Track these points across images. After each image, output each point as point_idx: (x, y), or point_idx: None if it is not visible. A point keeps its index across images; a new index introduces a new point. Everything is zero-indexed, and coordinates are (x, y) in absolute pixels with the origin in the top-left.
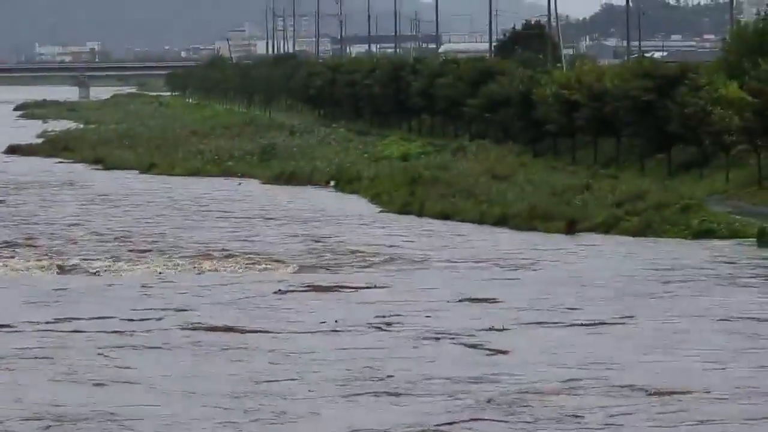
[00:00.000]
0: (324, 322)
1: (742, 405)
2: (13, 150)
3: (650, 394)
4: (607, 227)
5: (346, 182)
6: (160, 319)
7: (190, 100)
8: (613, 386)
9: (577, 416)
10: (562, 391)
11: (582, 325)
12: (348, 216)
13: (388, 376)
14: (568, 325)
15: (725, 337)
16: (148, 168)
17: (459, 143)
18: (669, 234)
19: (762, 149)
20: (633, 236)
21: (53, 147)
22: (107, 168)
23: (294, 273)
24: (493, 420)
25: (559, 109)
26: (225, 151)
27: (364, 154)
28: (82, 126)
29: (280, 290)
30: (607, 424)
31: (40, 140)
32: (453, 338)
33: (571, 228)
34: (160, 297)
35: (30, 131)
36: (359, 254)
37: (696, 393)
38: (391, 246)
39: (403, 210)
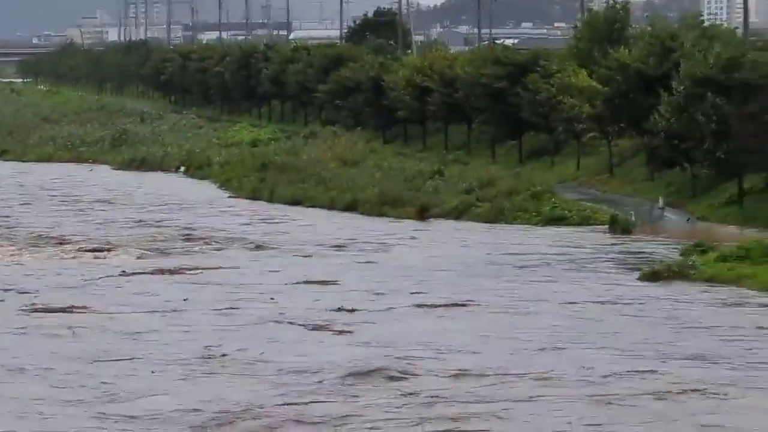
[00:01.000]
0: (169, 302)
1: (579, 386)
2: None
3: (487, 376)
4: (458, 213)
5: (196, 168)
6: (2, 300)
7: (42, 87)
8: (451, 368)
9: (411, 395)
10: (401, 371)
11: (427, 307)
12: (197, 201)
13: (225, 356)
14: (413, 308)
15: (569, 321)
16: None
17: (309, 129)
18: (520, 220)
19: (612, 137)
20: (484, 222)
21: None
22: None
23: (141, 256)
24: (328, 402)
25: (411, 95)
26: (77, 137)
27: (214, 140)
28: None
29: (124, 272)
30: (437, 401)
31: None
32: (296, 319)
33: (422, 214)
34: (2, 280)
35: None
36: (207, 238)
37: (534, 374)
38: (239, 230)
39: (253, 195)
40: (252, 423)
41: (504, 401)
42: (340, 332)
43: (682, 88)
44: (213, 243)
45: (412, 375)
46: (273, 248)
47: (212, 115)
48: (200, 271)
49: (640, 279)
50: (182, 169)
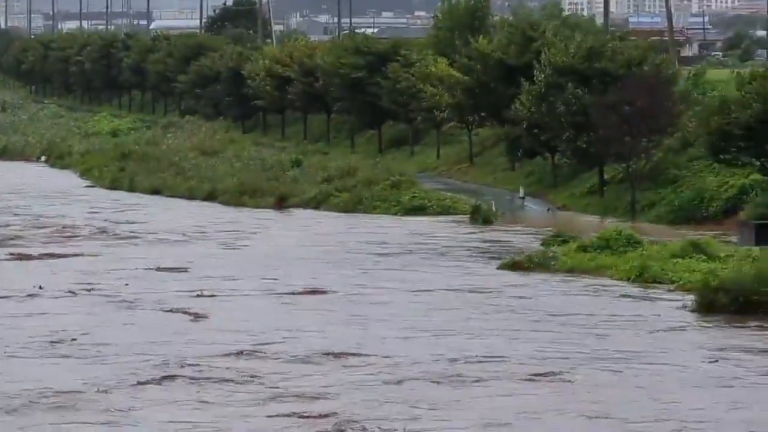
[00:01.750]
0: (24, 288)
1: (429, 369)
2: None
3: (336, 359)
4: (317, 203)
5: (57, 157)
6: None
7: None
8: (301, 351)
9: (259, 377)
10: (251, 354)
11: (282, 294)
12: (57, 190)
13: (74, 340)
14: (267, 294)
15: (425, 308)
16: None
17: (169, 119)
18: (379, 210)
19: (473, 126)
20: (343, 212)
21: None
22: None
23: None
24: (173, 385)
25: (270, 84)
26: None
27: (75, 129)
28: None
29: None
30: (283, 383)
31: None
32: (149, 305)
33: (280, 204)
34: None
35: None
36: (66, 226)
37: (385, 358)
38: (97, 219)
39: (114, 185)
40: (96, 405)
41: (352, 384)
42: (195, 317)
43: (542, 77)
44: (71, 231)
45: (261, 358)
46: (131, 236)
47: (73, 104)
48: (56, 258)
49: (500, 268)
50: (43, 158)
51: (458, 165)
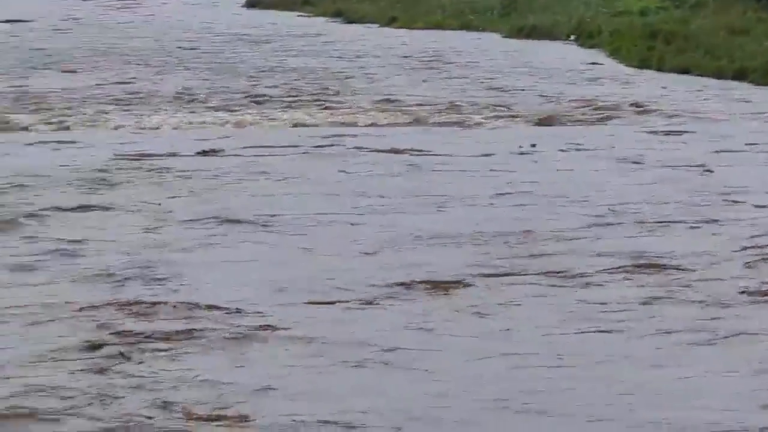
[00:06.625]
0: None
1: None
2: (252, 4)
3: None
4: None
5: (586, 37)
6: None
7: None
8: None
9: None
10: None
11: None
12: (590, 70)
13: None
14: None
15: None
16: (388, 21)
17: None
18: None
19: None
20: None
21: (293, 1)
22: (348, 21)
23: (536, 124)
24: None
25: None
26: (466, 4)
27: (602, 9)
28: None
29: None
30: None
31: None
32: None
33: None
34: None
35: None
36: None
37: None
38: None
39: (642, 64)
40: None
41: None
42: None
43: None
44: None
45: None
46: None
47: None
48: None
49: None
50: (573, 37)
51: None
